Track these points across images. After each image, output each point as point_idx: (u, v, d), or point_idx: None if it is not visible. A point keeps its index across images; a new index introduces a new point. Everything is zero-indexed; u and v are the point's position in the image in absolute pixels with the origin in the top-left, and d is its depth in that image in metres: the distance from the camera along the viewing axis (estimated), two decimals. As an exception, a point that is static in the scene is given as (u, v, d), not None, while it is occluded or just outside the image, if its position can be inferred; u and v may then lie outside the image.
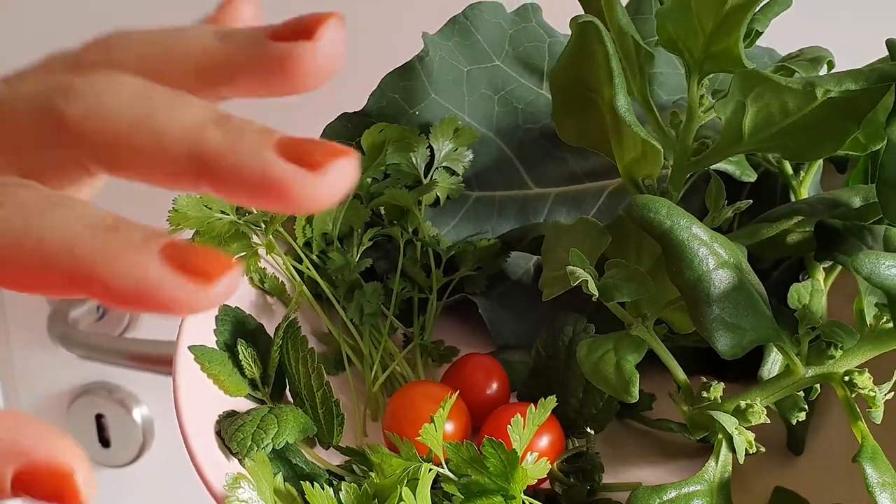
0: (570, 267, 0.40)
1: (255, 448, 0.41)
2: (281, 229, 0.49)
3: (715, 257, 0.39)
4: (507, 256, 0.56)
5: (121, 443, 1.05)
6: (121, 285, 0.24)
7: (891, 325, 0.40)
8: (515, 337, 0.54)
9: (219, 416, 0.43)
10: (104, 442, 1.05)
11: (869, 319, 0.41)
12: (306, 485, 0.40)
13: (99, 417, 1.04)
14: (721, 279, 0.39)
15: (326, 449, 0.46)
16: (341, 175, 0.25)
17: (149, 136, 0.25)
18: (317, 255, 0.52)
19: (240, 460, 0.41)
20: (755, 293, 0.40)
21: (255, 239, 0.49)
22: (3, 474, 0.27)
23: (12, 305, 1.00)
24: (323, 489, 0.40)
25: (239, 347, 0.46)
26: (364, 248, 0.52)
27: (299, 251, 0.50)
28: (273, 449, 0.41)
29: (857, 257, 0.34)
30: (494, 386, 0.49)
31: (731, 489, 0.46)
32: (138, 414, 1.04)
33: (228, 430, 0.41)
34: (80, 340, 0.96)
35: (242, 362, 0.45)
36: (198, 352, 0.44)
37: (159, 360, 0.92)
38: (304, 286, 0.50)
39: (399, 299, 0.52)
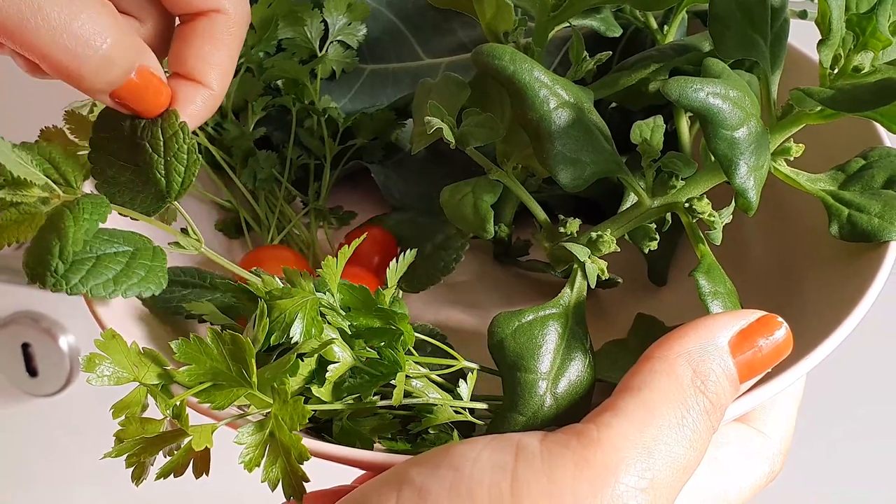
0: (428, 118, 0.43)
1: (51, 281, 0.39)
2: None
3: (556, 98, 0.42)
4: (401, 126, 0.59)
5: (48, 372, 1.05)
6: None
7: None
8: (407, 200, 0.57)
9: None
10: (31, 371, 1.05)
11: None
12: (181, 341, 0.38)
13: (25, 347, 1.04)
14: (561, 117, 0.42)
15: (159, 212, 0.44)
16: None
17: None
18: (212, 128, 0.55)
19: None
20: (596, 131, 0.43)
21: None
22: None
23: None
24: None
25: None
26: (257, 117, 0.55)
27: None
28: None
29: (666, 83, 0.37)
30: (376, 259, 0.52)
31: (601, 322, 0.50)
32: (65, 342, 1.03)
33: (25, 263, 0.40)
34: (3, 265, 0.95)
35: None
36: None
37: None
38: (200, 157, 0.53)
39: (294, 166, 0.55)
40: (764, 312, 0.38)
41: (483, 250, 0.55)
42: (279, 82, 0.57)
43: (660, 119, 0.46)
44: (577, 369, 0.43)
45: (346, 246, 0.43)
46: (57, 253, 0.38)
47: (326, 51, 0.58)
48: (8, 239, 0.41)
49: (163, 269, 0.41)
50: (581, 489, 0.31)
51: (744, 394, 0.38)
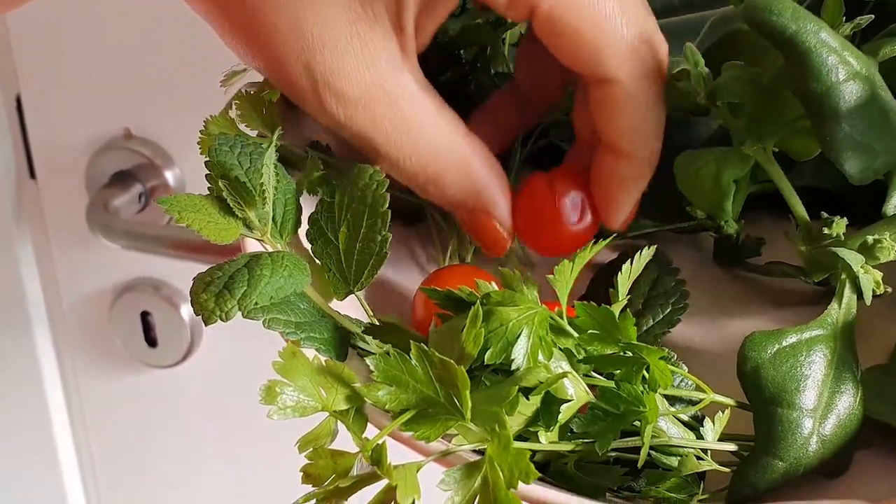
0: (676, 58, 0.36)
1: (217, 313, 0.34)
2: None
3: (846, 67, 0.34)
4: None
5: (168, 342, 0.98)
6: None
7: None
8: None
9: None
10: (151, 341, 0.99)
11: None
12: (384, 356, 0.32)
13: (145, 315, 0.98)
14: (852, 92, 0.34)
15: (341, 299, 0.39)
16: None
17: None
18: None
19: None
20: (890, 111, 0.35)
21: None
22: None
23: (49, 198, 0.94)
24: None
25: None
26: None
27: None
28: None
29: None
30: None
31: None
32: (186, 312, 0.96)
33: (194, 290, 0.35)
34: (122, 230, 0.87)
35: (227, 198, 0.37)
36: (169, 203, 0.36)
37: (208, 249, 0.83)
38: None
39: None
40: None
41: (696, 246, 0.47)
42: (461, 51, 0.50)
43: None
44: (846, 404, 0.35)
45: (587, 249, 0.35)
46: (238, 296, 0.34)
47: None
48: (193, 222, 0.36)
49: (338, 346, 0.36)
50: None
51: None
